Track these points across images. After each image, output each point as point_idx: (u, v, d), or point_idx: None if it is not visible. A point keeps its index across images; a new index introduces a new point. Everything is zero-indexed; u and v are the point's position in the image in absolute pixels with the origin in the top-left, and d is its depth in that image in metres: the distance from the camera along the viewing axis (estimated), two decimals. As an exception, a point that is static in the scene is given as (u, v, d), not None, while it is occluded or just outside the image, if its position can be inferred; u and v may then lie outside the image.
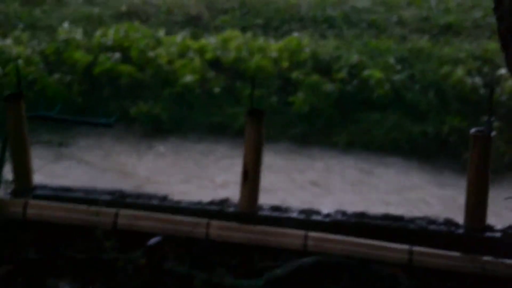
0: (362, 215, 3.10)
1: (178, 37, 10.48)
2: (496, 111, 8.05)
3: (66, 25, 10.88)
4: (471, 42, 10.55)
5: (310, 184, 7.86)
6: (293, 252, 2.97)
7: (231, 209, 3.13)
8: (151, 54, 9.89)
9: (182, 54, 10.02)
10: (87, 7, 12.12)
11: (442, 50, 10.08)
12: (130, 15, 11.88)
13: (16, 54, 9.57)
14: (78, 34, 10.37)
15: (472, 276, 2.88)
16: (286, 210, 3.14)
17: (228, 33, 10.69)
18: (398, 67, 9.70)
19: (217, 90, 9.54)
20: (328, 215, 3.11)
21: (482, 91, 9.05)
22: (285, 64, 9.69)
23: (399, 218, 3.09)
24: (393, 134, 8.86)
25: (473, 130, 3.02)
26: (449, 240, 2.98)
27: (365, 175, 8.17)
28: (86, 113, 8.78)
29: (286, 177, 7.98)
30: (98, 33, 10.44)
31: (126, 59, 9.92)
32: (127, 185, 6.76)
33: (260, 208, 3.14)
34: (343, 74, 9.45)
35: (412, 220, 3.07)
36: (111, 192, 3.25)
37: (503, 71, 9.10)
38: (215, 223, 3.03)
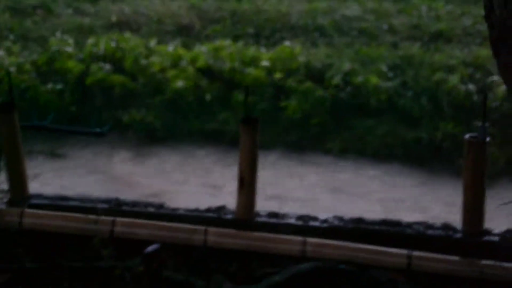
0: (359, 220, 3.10)
1: (170, 47, 10.48)
2: (489, 117, 8.07)
3: (57, 35, 10.87)
4: (462, 49, 10.60)
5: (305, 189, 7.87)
6: (292, 258, 2.96)
7: (228, 216, 3.12)
8: (143, 62, 9.89)
9: (174, 63, 10.02)
10: (77, 17, 12.12)
11: (433, 57, 10.11)
12: (120, 25, 11.88)
13: (8, 65, 9.55)
14: (70, 45, 10.36)
15: (471, 280, 2.89)
16: (284, 216, 3.14)
17: (219, 42, 10.70)
18: (390, 74, 9.73)
19: (210, 98, 9.54)
20: (325, 220, 3.11)
21: (474, 97, 9.09)
22: (278, 74, 9.70)
23: (396, 223, 3.09)
24: (387, 140, 8.87)
25: (467, 136, 3.03)
26: (447, 244, 2.98)
27: (361, 182, 8.18)
28: (79, 123, 8.76)
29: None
30: (89, 43, 10.43)
31: (118, 69, 9.91)
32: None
33: (257, 214, 3.14)
34: (336, 81, 9.47)
35: (410, 225, 3.08)
36: (107, 200, 3.24)
37: (495, 77, 9.14)
38: (212, 230, 3.03)
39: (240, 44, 10.71)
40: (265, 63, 9.83)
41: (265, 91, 9.51)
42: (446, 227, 3.07)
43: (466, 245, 2.97)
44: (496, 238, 3.00)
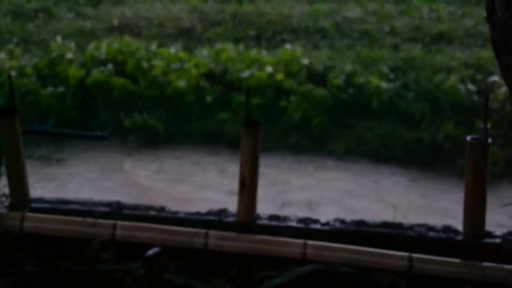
0: (361, 223, 3.10)
1: (171, 50, 10.49)
2: (490, 118, 8.07)
3: (59, 39, 10.88)
4: (464, 50, 10.59)
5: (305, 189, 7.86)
6: (292, 261, 2.96)
7: (229, 219, 3.12)
8: (145, 65, 9.90)
9: (175, 66, 10.03)
10: (79, 21, 12.13)
11: (434, 59, 10.11)
12: (122, 28, 11.90)
13: (9, 68, 9.56)
14: (71, 48, 10.37)
15: (472, 282, 2.88)
16: (285, 219, 3.13)
17: (221, 45, 10.71)
18: (392, 75, 9.73)
19: (211, 100, 9.54)
20: (327, 223, 3.10)
21: (476, 98, 9.08)
22: (280, 76, 9.70)
23: (398, 226, 3.08)
24: (388, 141, 8.87)
25: (469, 138, 3.03)
26: (448, 247, 2.98)
27: (363, 183, 8.18)
28: (80, 126, 8.77)
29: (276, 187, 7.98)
30: (91, 46, 10.44)
31: (119, 71, 9.92)
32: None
33: (258, 217, 3.13)
34: (337, 82, 9.47)
35: (411, 227, 3.07)
36: (108, 204, 3.24)
37: (496, 78, 9.14)
38: (213, 233, 3.02)
39: (241, 46, 10.71)
40: (267, 65, 9.83)
41: (266, 93, 9.52)
42: (448, 229, 3.06)
43: (467, 247, 2.97)
44: (497, 240, 3.00)
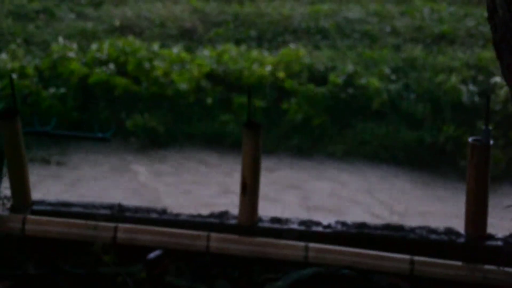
0: (362, 225, 3.10)
1: (173, 50, 10.49)
2: (492, 119, 8.07)
3: (60, 40, 10.89)
4: (465, 50, 10.59)
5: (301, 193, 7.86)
6: (294, 263, 2.96)
7: (230, 222, 3.12)
8: (147, 66, 9.90)
9: (177, 66, 10.03)
10: (80, 22, 12.13)
11: (436, 59, 10.11)
12: (123, 29, 11.90)
13: (10, 69, 9.57)
14: (73, 49, 10.37)
15: (474, 285, 2.88)
16: (286, 221, 3.13)
17: (222, 45, 10.71)
18: (393, 76, 9.73)
19: (213, 101, 9.54)
20: (328, 226, 3.10)
21: (477, 99, 9.08)
22: (281, 74, 9.70)
23: (399, 228, 3.08)
24: (389, 142, 8.87)
25: (470, 139, 3.03)
26: (450, 249, 2.98)
27: (365, 186, 8.17)
28: (82, 128, 8.77)
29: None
30: (93, 47, 10.43)
31: (121, 72, 9.92)
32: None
33: (260, 220, 3.13)
34: (338, 81, 9.47)
35: (413, 229, 3.07)
36: (109, 206, 3.24)
37: (497, 79, 9.13)
38: (215, 235, 3.02)
39: (242, 47, 10.71)
40: (268, 65, 9.83)
41: (267, 93, 9.52)
42: (449, 231, 3.06)
43: (469, 250, 2.96)
44: (499, 243, 3.00)
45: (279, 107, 9.41)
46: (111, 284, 2.98)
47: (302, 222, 3.13)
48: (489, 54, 9.73)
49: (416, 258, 2.92)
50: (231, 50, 10.44)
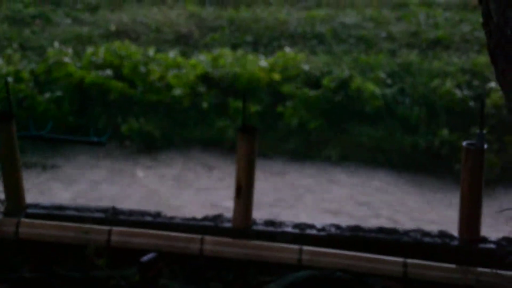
0: (356, 228, 3.10)
1: (169, 55, 10.50)
2: (487, 124, 8.09)
3: (56, 44, 10.89)
4: (460, 56, 10.62)
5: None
6: (288, 266, 2.96)
7: (225, 225, 3.12)
8: (142, 70, 9.90)
9: (173, 71, 10.04)
10: (76, 27, 12.14)
11: (431, 64, 10.13)
12: (119, 34, 11.91)
13: (6, 73, 9.57)
14: (68, 54, 10.37)
15: (467, 287, 2.89)
16: (280, 224, 3.14)
17: (218, 50, 10.72)
18: (389, 81, 9.75)
19: (208, 105, 9.55)
20: (322, 229, 3.10)
21: (472, 103, 9.10)
22: (277, 76, 9.72)
23: (393, 231, 3.09)
24: (385, 147, 8.89)
25: (465, 143, 3.03)
26: (443, 252, 2.98)
27: (360, 189, 8.18)
28: (77, 132, 8.77)
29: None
30: (88, 52, 10.44)
31: (116, 76, 9.92)
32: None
33: (254, 223, 3.14)
34: (334, 86, 9.48)
35: (406, 232, 3.08)
36: (103, 210, 3.24)
37: (492, 84, 9.16)
38: (209, 238, 3.02)
39: (239, 52, 10.73)
40: (264, 69, 9.84)
41: (263, 98, 9.53)
42: (443, 234, 3.07)
43: (462, 253, 2.97)
44: (493, 246, 3.00)
45: (275, 111, 9.42)
46: (105, 287, 2.98)
47: (296, 225, 3.14)
48: (484, 59, 9.76)
49: (410, 260, 2.92)
50: (227, 54, 10.45)
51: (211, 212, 3.32)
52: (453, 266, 2.92)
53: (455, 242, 3.02)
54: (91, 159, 8.82)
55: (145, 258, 2.92)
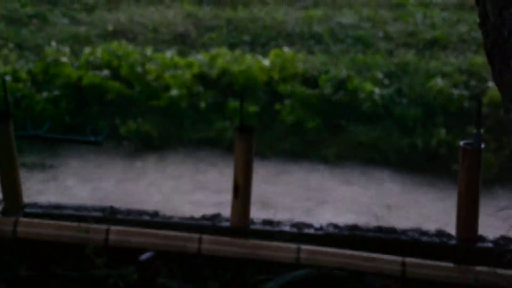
0: (354, 227, 3.11)
1: (167, 55, 10.49)
2: (484, 123, 8.10)
3: (53, 44, 10.88)
4: (457, 56, 10.63)
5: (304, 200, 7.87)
6: (286, 265, 2.96)
7: (223, 224, 3.12)
8: (139, 70, 9.89)
9: (170, 70, 10.03)
10: (73, 27, 12.13)
11: (428, 64, 10.14)
12: (116, 34, 11.90)
13: (3, 73, 9.56)
14: (65, 54, 10.37)
15: (465, 286, 2.89)
16: (278, 223, 3.14)
17: (215, 50, 10.72)
18: (386, 81, 9.76)
19: (205, 105, 9.55)
20: (320, 228, 3.11)
21: (469, 103, 9.11)
22: (275, 75, 9.72)
23: (391, 230, 3.09)
24: (382, 147, 8.89)
25: (462, 143, 3.04)
26: (441, 251, 2.99)
27: (357, 189, 8.19)
28: (74, 132, 8.76)
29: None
30: (86, 51, 10.43)
31: (114, 76, 9.91)
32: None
33: (252, 222, 3.14)
34: (331, 86, 9.49)
35: (404, 231, 3.08)
36: (101, 209, 3.24)
37: (489, 83, 9.17)
38: (207, 237, 3.02)
39: (236, 52, 10.73)
40: (262, 69, 9.84)
41: (260, 97, 9.54)
42: (441, 233, 3.07)
43: (460, 252, 2.98)
44: (490, 245, 3.01)
45: (273, 111, 9.42)
46: (103, 286, 2.98)
47: (294, 224, 3.14)
48: (481, 59, 9.78)
49: (408, 259, 2.92)
50: (225, 54, 10.45)
51: (210, 211, 3.32)
52: (451, 265, 2.92)
53: (453, 241, 3.02)
54: (87, 158, 8.82)
55: (143, 257, 2.92)
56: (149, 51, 10.60)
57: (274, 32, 11.94)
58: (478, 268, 2.90)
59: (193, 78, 9.83)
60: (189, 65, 10.08)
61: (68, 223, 3.10)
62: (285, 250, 2.99)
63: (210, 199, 7.64)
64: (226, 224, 3.12)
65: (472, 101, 9.01)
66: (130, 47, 10.65)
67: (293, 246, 2.99)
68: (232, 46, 11.25)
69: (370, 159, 8.83)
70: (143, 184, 8.23)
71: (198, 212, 3.38)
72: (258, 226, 3.12)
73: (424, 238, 3.04)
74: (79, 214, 3.20)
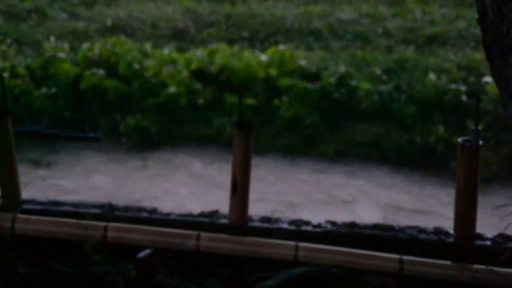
0: (352, 225, 3.11)
1: (165, 51, 10.48)
2: (483, 120, 8.10)
3: (52, 39, 10.87)
4: (456, 52, 10.62)
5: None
6: (284, 263, 2.96)
7: (221, 221, 3.12)
8: (137, 67, 9.88)
9: (169, 67, 10.02)
10: (72, 22, 12.11)
11: (427, 61, 10.13)
12: (115, 29, 11.88)
13: (1, 68, 9.54)
14: (64, 49, 10.35)
15: (463, 284, 2.89)
16: (276, 221, 3.14)
17: (214, 46, 10.71)
18: (385, 77, 9.75)
19: (204, 101, 9.54)
20: (318, 225, 3.11)
21: (468, 100, 9.11)
22: (274, 72, 9.71)
23: (389, 228, 3.09)
24: (381, 143, 8.89)
25: (460, 140, 3.04)
26: (439, 248, 2.99)
27: (355, 186, 8.19)
28: (73, 128, 8.75)
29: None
30: (84, 47, 10.41)
31: (112, 73, 9.90)
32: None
33: (250, 219, 3.14)
34: (330, 82, 9.48)
35: (402, 229, 3.08)
36: (100, 206, 3.24)
37: (488, 80, 9.17)
38: (205, 235, 3.03)
39: (235, 47, 10.72)
40: (260, 64, 9.83)
41: (259, 92, 9.53)
42: (438, 231, 3.07)
43: (458, 250, 2.98)
44: (488, 243, 3.01)
45: (271, 106, 9.42)
46: (101, 283, 2.98)
47: (292, 222, 3.14)
48: (480, 55, 9.77)
49: (406, 257, 2.93)
50: (223, 50, 10.44)
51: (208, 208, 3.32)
52: (448, 262, 2.93)
53: (451, 239, 3.03)
54: (86, 155, 8.82)
55: (142, 254, 2.92)
56: (148, 46, 10.59)
57: (273, 28, 11.93)
58: (475, 266, 2.90)
59: (192, 75, 9.82)
60: (188, 61, 10.07)
61: (66, 220, 3.10)
62: (283, 247, 2.99)
63: (208, 196, 7.64)
64: (224, 221, 3.12)
65: (471, 97, 9.01)
66: (129, 43, 10.63)
67: (291, 243, 2.99)
68: (231, 42, 11.24)
69: (367, 156, 8.83)
70: (141, 181, 8.23)
71: (196, 209, 3.37)
72: (256, 223, 3.12)
73: (422, 236, 3.05)
74: (77, 211, 3.20)
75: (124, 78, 9.83)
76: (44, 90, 9.51)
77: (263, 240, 3.02)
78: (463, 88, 9.32)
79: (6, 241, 3.11)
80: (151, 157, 8.94)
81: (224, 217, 3.15)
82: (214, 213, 3.18)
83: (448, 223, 3.25)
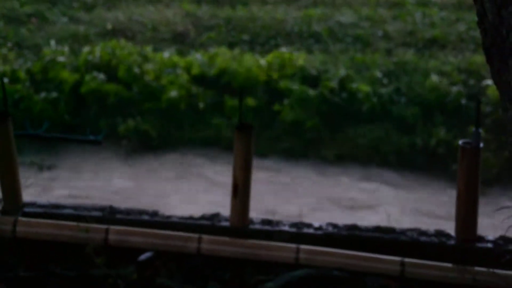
0: (353, 227, 3.11)
1: (165, 54, 10.48)
2: (483, 123, 8.10)
3: (52, 43, 10.87)
4: (456, 55, 10.63)
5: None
6: (285, 265, 2.96)
7: (222, 224, 3.12)
8: (137, 71, 9.88)
9: (169, 70, 10.02)
10: (72, 25, 12.12)
11: (427, 63, 10.14)
12: (115, 33, 11.89)
13: (2, 73, 9.54)
14: (64, 53, 10.35)
15: (464, 287, 2.89)
16: (277, 223, 3.14)
17: (214, 49, 10.71)
18: (385, 80, 9.75)
19: (204, 105, 9.54)
20: (319, 228, 3.11)
21: (468, 102, 9.11)
22: (275, 74, 9.72)
23: (390, 230, 3.09)
24: (381, 146, 8.89)
25: (461, 142, 3.04)
26: (440, 251, 2.99)
27: (356, 189, 8.19)
28: (73, 132, 8.75)
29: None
30: (84, 51, 10.41)
31: (112, 77, 9.90)
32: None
33: (251, 221, 3.14)
34: (330, 85, 9.48)
35: (404, 231, 3.08)
36: (101, 208, 3.24)
37: (488, 82, 9.17)
38: (206, 237, 3.02)
39: (235, 51, 10.72)
40: (261, 67, 9.83)
41: (259, 95, 9.53)
42: (440, 233, 3.07)
43: (459, 252, 2.98)
44: (489, 245, 3.01)
45: (272, 109, 9.42)
46: (102, 286, 2.98)
47: (293, 224, 3.14)
48: (480, 58, 9.77)
49: (407, 259, 2.93)
50: (224, 53, 10.44)
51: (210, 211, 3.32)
52: (450, 265, 2.92)
53: (452, 241, 3.03)
54: (86, 159, 8.82)
55: (143, 257, 2.92)
56: (148, 50, 10.59)
57: (273, 31, 11.93)
58: (476, 268, 2.90)
59: (192, 79, 9.82)
60: (188, 65, 10.07)
61: (67, 223, 3.10)
62: (284, 250, 2.99)
63: (208, 198, 7.64)
64: (226, 223, 3.12)
65: (471, 100, 9.01)
66: (129, 47, 10.64)
67: (293, 246, 2.99)
68: (231, 45, 11.24)
69: (368, 159, 8.82)
70: (142, 183, 8.23)
71: (196, 211, 3.38)
72: (257, 226, 3.12)
73: (423, 238, 3.05)
74: (78, 214, 3.20)
75: (124, 82, 9.83)
76: (44, 94, 9.51)
77: (264, 242, 3.02)
78: (463, 90, 9.32)
79: (7, 244, 3.11)
80: (150, 160, 8.94)
81: (226, 219, 3.15)
82: (215, 216, 3.18)
83: (447, 226, 3.25)
